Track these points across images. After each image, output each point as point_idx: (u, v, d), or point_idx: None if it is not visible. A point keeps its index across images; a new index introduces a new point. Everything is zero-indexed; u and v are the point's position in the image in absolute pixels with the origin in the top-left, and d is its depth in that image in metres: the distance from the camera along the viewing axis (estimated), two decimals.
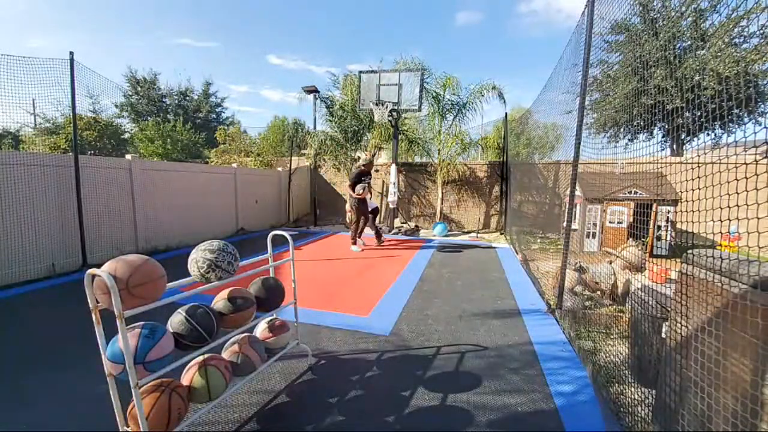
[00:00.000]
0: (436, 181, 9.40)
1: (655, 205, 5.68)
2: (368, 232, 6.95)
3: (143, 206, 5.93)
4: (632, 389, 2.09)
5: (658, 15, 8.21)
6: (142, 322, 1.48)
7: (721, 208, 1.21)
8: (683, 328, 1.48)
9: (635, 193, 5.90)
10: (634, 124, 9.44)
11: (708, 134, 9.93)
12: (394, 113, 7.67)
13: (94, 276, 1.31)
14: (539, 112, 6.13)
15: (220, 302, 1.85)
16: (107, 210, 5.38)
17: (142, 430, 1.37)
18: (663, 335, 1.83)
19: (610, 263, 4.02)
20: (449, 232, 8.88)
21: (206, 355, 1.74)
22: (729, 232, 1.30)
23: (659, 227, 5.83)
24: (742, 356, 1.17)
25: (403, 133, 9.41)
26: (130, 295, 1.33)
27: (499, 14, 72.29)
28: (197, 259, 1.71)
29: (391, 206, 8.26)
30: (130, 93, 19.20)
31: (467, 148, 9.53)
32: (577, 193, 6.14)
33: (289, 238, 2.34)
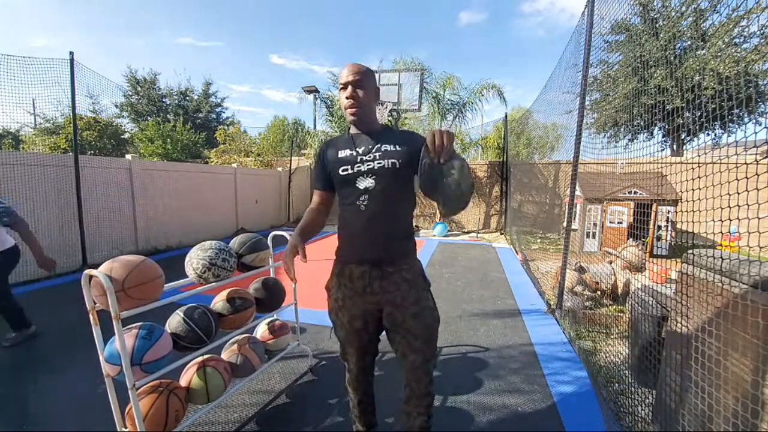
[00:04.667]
0: None
1: (655, 205, 5.67)
2: None
3: (143, 206, 5.93)
4: (632, 389, 2.08)
5: (658, 15, 8.21)
6: (141, 323, 1.48)
7: (721, 208, 1.21)
8: (683, 328, 1.47)
9: (635, 193, 5.90)
10: (634, 124, 9.44)
11: (708, 134, 9.92)
12: (394, 113, 7.67)
13: (91, 276, 1.31)
14: (539, 112, 6.13)
15: (219, 303, 1.85)
16: (107, 210, 5.38)
17: (139, 430, 1.36)
18: (663, 335, 1.82)
19: (610, 263, 4.02)
20: (449, 232, 8.87)
21: (205, 356, 1.74)
22: (729, 232, 1.30)
23: (659, 227, 5.82)
24: (743, 356, 1.17)
25: None
26: (126, 296, 1.32)
27: (503, 14, 72.48)
28: (191, 259, 1.70)
29: None
30: (130, 93, 19.18)
31: (467, 148, 9.53)
32: (577, 193, 6.14)
33: (289, 238, 2.33)
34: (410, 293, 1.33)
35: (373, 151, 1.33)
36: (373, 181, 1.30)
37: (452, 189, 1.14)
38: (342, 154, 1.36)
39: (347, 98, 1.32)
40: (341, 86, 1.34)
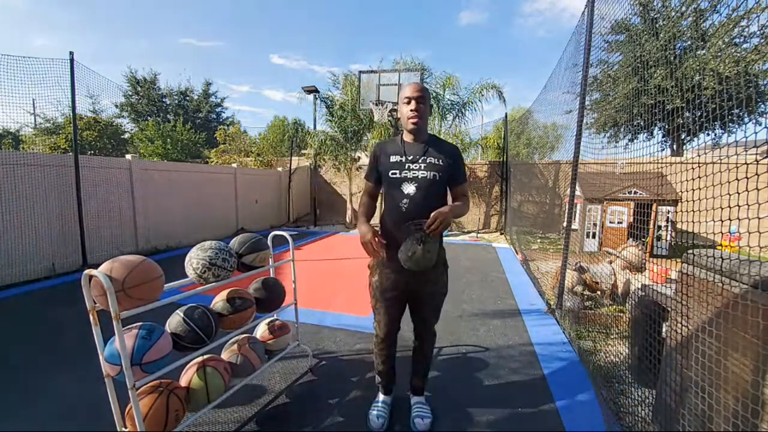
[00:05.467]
0: None
1: (655, 205, 5.67)
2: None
3: (143, 206, 5.93)
4: (632, 389, 2.08)
5: (658, 15, 8.21)
6: (141, 323, 1.48)
7: (722, 208, 1.21)
8: (683, 328, 1.47)
9: (635, 193, 5.90)
10: (634, 124, 9.44)
11: (708, 134, 9.92)
12: (394, 113, 7.67)
13: (91, 276, 1.31)
14: (539, 112, 6.13)
15: (219, 303, 1.84)
16: (107, 210, 5.38)
17: (139, 431, 1.36)
18: (663, 335, 1.82)
19: (610, 263, 4.02)
20: (449, 232, 8.87)
21: (205, 356, 1.74)
22: (729, 232, 1.30)
23: (659, 227, 5.82)
24: (743, 356, 1.17)
25: None
26: (126, 296, 1.32)
27: (503, 14, 72.50)
28: (191, 259, 1.70)
29: None
30: (130, 93, 19.19)
31: (467, 148, 9.53)
32: (577, 193, 6.14)
33: (289, 238, 2.33)
34: (431, 276, 1.68)
35: (419, 161, 1.60)
36: (415, 188, 1.58)
37: (411, 251, 1.48)
38: (393, 158, 1.64)
39: (412, 110, 1.60)
40: (405, 100, 1.61)
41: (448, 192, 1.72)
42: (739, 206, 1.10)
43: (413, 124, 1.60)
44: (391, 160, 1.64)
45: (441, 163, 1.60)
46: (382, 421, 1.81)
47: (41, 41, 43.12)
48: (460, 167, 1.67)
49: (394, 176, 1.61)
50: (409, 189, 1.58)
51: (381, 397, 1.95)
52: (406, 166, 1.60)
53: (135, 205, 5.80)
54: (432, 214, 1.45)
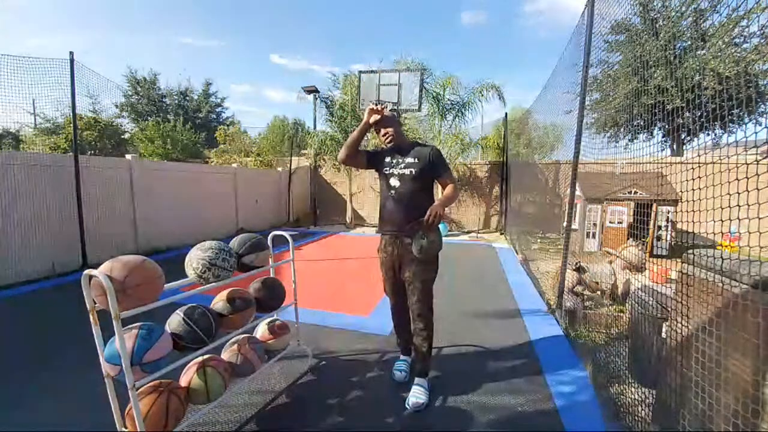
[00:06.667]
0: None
1: (655, 205, 5.67)
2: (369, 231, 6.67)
3: (143, 206, 5.93)
4: (632, 389, 2.08)
5: (658, 15, 8.21)
6: (141, 323, 1.48)
7: (722, 208, 1.20)
8: (683, 328, 1.47)
9: (635, 193, 5.90)
10: (634, 124, 9.44)
11: (708, 134, 9.92)
12: (394, 113, 7.66)
13: (91, 276, 1.31)
14: (539, 112, 6.13)
15: (219, 303, 1.84)
16: (107, 210, 5.38)
17: (139, 431, 1.36)
18: (663, 335, 1.82)
19: (610, 263, 4.02)
20: (449, 232, 8.87)
21: (205, 356, 1.74)
22: (729, 232, 1.30)
23: (659, 227, 5.82)
24: (743, 356, 1.17)
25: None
26: (126, 295, 1.32)
27: (504, 14, 72.48)
28: (191, 259, 1.70)
29: None
30: (130, 93, 19.19)
31: (467, 148, 9.52)
32: (577, 193, 6.14)
33: (289, 238, 2.33)
34: (412, 258, 1.97)
35: (401, 162, 2.05)
36: (398, 181, 2.03)
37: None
38: (387, 158, 2.11)
39: (383, 136, 2.10)
40: (376, 129, 2.10)
41: (436, 183, 2.12)
42: (739, 206, 1.10)
43: (389, 144, 2.10)
44: (385, 159, 2.11)
45: (417, 161, 2.01)
46: (404, 374, 2.23)
47: (34, 41, 43.04)
48: (438, 163, 2.03)
49: (386, 171, 2.08)
50: (395, 182, 2.03)
51: (401, 357, 2.37)
52: (393, 165, 2.07)
53: (135, 205, 5.80)
54: (428, 210, 1.79)
